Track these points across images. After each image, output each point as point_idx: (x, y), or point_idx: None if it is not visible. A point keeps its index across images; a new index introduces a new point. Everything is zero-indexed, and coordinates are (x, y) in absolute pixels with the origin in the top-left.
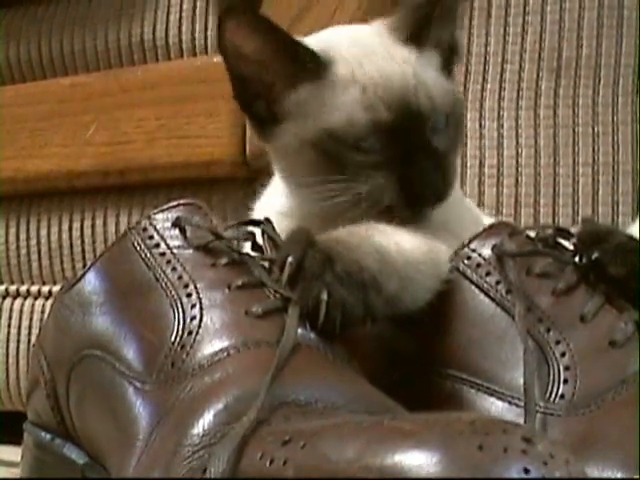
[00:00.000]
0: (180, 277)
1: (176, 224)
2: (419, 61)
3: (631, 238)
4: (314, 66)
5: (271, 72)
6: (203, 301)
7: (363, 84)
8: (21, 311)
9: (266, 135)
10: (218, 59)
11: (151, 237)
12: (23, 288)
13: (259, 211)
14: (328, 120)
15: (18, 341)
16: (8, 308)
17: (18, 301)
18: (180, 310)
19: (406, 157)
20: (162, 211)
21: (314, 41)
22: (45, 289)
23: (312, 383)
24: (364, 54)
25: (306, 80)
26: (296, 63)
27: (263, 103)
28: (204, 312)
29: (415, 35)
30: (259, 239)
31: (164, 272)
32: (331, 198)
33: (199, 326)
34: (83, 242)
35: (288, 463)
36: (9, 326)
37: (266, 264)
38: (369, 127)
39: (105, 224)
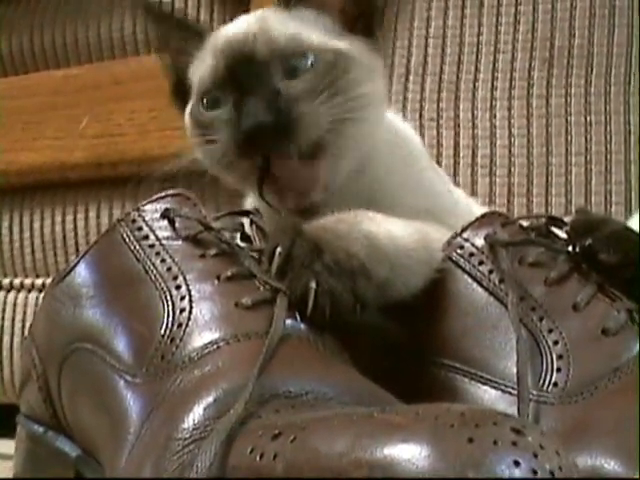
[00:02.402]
0: (169, 269)
1: (165, 215)
2: (281, 19)
3: (625, 227)
4: (199, 40)
5: (175, 52)
6: (192, 293)
7: (215, 48)
8: (15, 304)
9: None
10: None
11: (140, 229)
12: (17, 281)
13: (250, 201)
14: (193, 90)
15: (12, 334)
16: (2, 301)
17: (12, 294)
18: (170, 302)
19: (239, 101)
20: (151, 202)
21: None
22: (39, 282)
23: (302, 375)
24: (233, 24)
25: (195, 53)
26: (187, 40)
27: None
28: (194, 304)
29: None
30: (248, 229)
31: (153, 264)
32: (214, 164)
33: (189, 318)
34: (76, 235)
35: (278, 457)
36: (3, 319)
37: (255, 255)
38: (209, 85)
39: (98, 216)
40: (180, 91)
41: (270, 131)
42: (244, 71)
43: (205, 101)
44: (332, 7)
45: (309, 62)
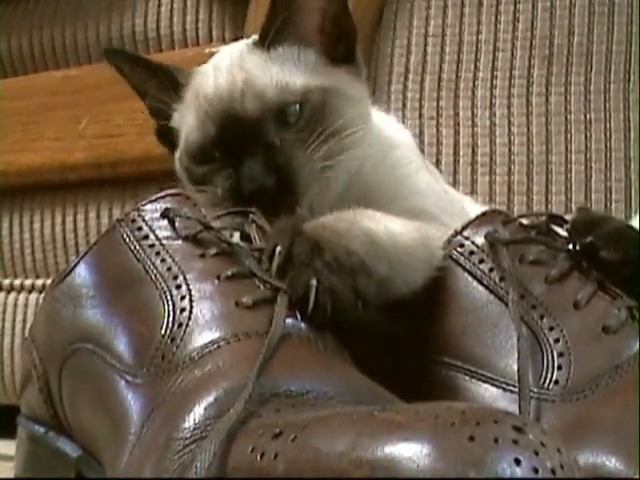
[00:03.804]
0: (169, 268)
1: (165, 215)
2: (262, 63)
3: (625, 225)
4: (175, 89)
5: (154, 99)
6: (193, 293)
7: (198, 104)
8: (15, 305)
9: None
10: (210, 50)
11: (140, 228)
12: (17, 282)
13: None
14: (180, 142)
15: (12, 335)
16: (2, 302)
17: (12, 295)
18: (170, 302)
19: (237, 159)
20: (151, 202)
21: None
22: (39, 282)
23: (303, 374)
24: (212, 71)
25: (175, 103)
26: (165, 88)
27: (167, 133)
28: (194, 304)
29: (265, 35)
30: (248, 229)
31: (153, 264)
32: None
33: (189, 318)
34: (76, 235)
35: (279, 457)
36: (3, 320)
37: (255, 254)
38: (200, 144)
39: (98, 217)
40: (164, 133)
41: (272, 192)
42: (236, 131)
43: (195, 157)
44: (311, 38)
45: (297, 108)
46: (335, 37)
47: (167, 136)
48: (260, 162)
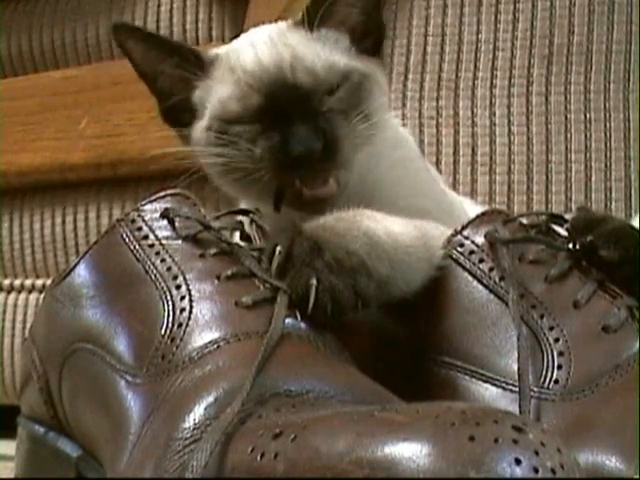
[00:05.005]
0: (169, 268)
1: (164, 215)
2: (306, 42)
3: (626, 224)
4: (201, 66)
5: (170, 79)
6: (192, 293)
7: (237, 77)
8: (15, 305)
9: (188, 139)
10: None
11: (140, 229)
12: (17, 282)
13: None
14: (213, 113)
15: (13, 335)
16: (2, 302)
17: (12, 295)
18: (170, 302)
19: (283, 125)
20: (150, 202)
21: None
22: (39, 283)
23: (303, 374)
24: (247, 47)
25: (199, 80)
26: (186, 66)
27: (179, 111)
28: (194, 304)
29: (311, 18)
30: (248, 228)
31: (153, 264)
32: (229, 174)
33: (189, 318)
34: (76, 235)
35: (279, 457)
36: (3, 320)
37: (255, 254)
38: (240, 113)
39: (98, 217)
40: (176, 110)
41: (318, 156)
42: (286, 100)
43: (231, 124)
44: (348, 27)
45: (340, 84)
46: (367, 30)
47: (178, 114)
48: (310, 127)
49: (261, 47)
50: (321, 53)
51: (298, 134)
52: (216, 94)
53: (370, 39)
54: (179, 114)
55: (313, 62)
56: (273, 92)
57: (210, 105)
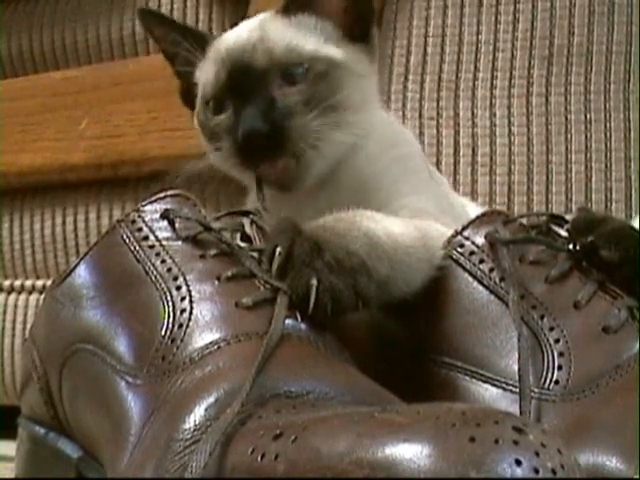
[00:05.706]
0: (169, 269)
1: (165, 216)
2: (281, 27)
3: (626, 225)
4: (203, 48)
5: (184, 60)
6: (193, 293)
7: (216, 56)
8: (15, 306)
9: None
10: None
11: (140, 229)
12: (17, 283)
13: (252, 199)
14: (199, 94)
15: (13, 336)
16: (2, 303)
17: (12, 296)
18: (170, 303)
19: (239, 108)
20: (150, 203)
21: None
22: (39, 283)
23: (303, 374)
24: (235, 31)
25: (200, 61)
26: (193, 48)
27: (192, 93)
28: (194, 305)
29: (288, 4)
30: (248, 229)
31: (153, 265)
32: (221, 167)
33: (189, 319)
34: (77, 236)
35: (279, 458)
36: (4, 321)
37: (255, 254)
38: (214, 93)
39: (99, 217)
40: (190, 95)
41: (264, 139)
42: (243, 79)
43: (210, 105)
44: (331, 13)
45: (304, 70)
46: (354, 16)
47: (190, 96)
48: (258, 110)
49: (241, 30)
50: (287, 36)
51: (247, 114)
52: (204, 74)
53: (359, 25)
54: (192, 96)
55: (274, 43)
56: (233, 71)
57: (199, 85)
